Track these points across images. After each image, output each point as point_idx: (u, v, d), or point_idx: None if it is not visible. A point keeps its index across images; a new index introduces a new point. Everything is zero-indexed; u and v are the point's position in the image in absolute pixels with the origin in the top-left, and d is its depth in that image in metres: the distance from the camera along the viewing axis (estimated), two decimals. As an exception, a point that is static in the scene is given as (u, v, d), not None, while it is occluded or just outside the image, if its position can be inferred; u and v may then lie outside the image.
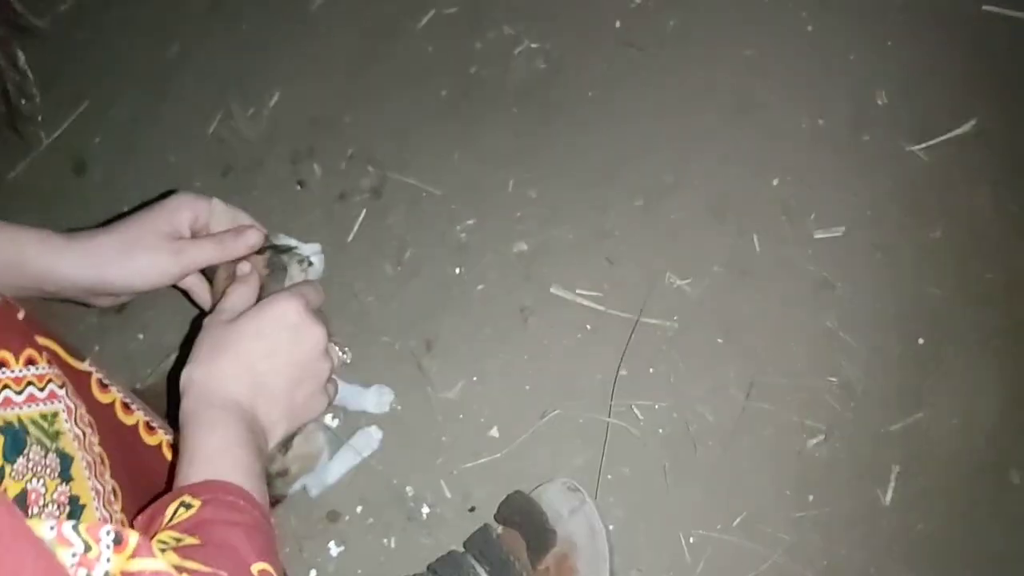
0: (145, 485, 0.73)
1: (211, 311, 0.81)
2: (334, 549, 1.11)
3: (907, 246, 1.23)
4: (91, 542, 0.41)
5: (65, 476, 0.62)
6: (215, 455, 0.65)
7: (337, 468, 1.12)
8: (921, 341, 1.17)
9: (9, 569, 0.33)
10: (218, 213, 0.92)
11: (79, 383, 0.71)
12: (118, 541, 0.42)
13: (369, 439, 1.15)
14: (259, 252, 0.92)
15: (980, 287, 1.20)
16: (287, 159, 1.39)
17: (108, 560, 0.41)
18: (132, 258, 0.83)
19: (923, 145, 1.27)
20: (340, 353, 0.87)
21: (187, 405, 0.69)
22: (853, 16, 1.37)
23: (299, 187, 1.37)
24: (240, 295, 0.81)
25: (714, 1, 1.41)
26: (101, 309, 1.20)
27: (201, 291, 0.93)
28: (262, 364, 0.74)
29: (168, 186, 1.39)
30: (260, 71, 1.49)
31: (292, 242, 0.97)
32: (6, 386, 0.61)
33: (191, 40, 1.55)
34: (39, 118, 0.59)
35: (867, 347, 1.17)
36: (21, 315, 0.68)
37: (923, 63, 1.32)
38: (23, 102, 0.58)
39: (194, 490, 0.60)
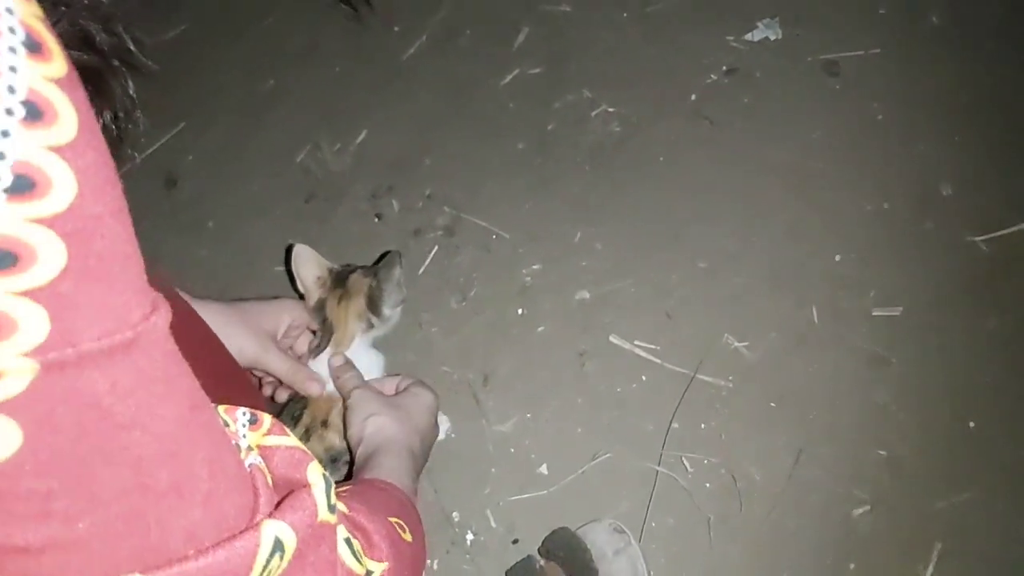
0: None
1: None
2: (378, 564, 1.13)
3: (962, 332, 1.25)
4: (229, 420, 0.47)
5: None
6: (390, 471, 0.83)
7: None
8: (972, 424, 1.18)
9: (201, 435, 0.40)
10: (306, 257, 1.12)
11: None
12: (253, 421, 0.48)
13: None
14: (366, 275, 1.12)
15: (1033, 378, 1.21)
16: (367, 193, 1.47)
17: (245, 436, 0.47)
18: (230, 328, 0.98)
19: (984, 236, 1.30)
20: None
21: (375, 442, 0.90)
22: (922, 109, 1.42)
23: (377, 220, 1.43)
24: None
25: (787, 84, 1.48)
26: None
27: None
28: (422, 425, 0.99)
29: (253, 208, 1.48)
30: (348, 111, 1.58)
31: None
32: None
33: (286, 77, 1.65)
34: (141, 141, 0.65)
35: (917, 425, 1.18)
36: None
37: (988, 159, 1.36)
38: (129, 127, 0.64)
39: (348, 484, 0.74)
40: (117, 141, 0.62)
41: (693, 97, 1.49)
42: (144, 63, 0.60)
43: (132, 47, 0.58)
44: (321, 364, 1.09)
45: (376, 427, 0.93)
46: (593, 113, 1.50)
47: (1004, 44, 1.48)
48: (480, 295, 1.34)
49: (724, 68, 1.50)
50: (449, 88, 1.57)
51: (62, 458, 0.33)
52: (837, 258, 1.31)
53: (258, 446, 0.47)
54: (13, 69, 0.29)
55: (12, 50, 0.29)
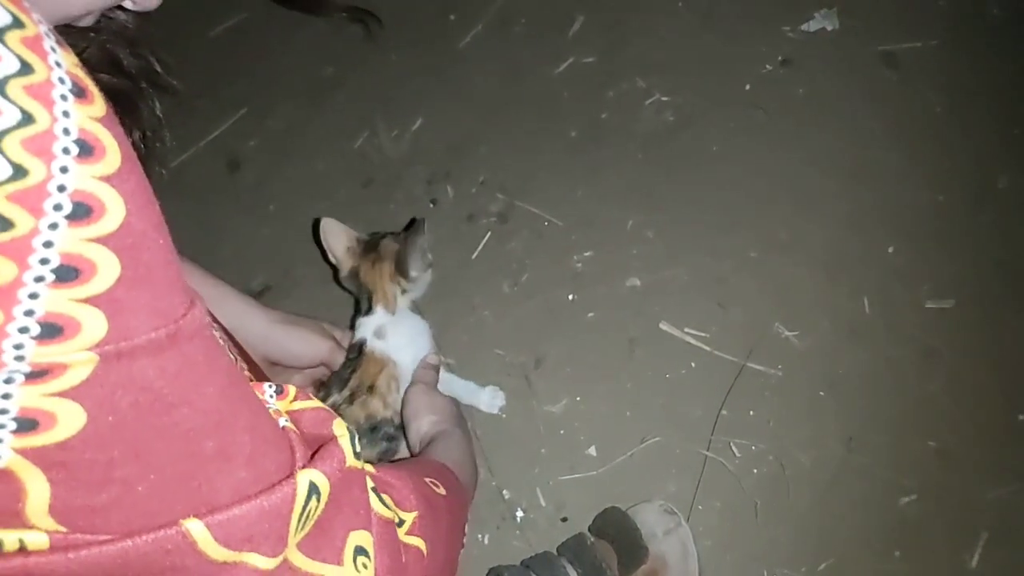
0: None
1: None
2: (432, 537, 1.17)
3: (1014, 325, 1.25)
4: (257, 393, 0.53)
5: None
6: (436, 451, 0.94)
7: None
8: (1021, 417, 1.18)
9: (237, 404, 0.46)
10: (333, 230, 1.20)
11: None
12: (279, 392, 0.56)
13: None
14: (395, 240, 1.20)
15: (1089, 374, 1.21)
16: (423, 179, 1.50)
17: (275, 409, 0.53)
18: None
19: (1042, 231, 1.30)
20: None
21: (431, 435, 1.02)
22: (980, 102, 1.42)
23: (432, 205, 1.47)
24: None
25: (843, 75, 1.47)
26: None
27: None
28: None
29: (314, 191, 1.52)
30: (406, 98, 1.61)
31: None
32: None
33: (345, 64, 1.68)
34: (167, 163, 0.69)
35: (967, 416, 1.19)
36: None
37: (1048, 153, 1.36)
38: (157, 145, 0.68)
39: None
40: (146, 158, 0.66)
41: (748, 87, 1.49)
42: (170, 83, 0.65)
43: (159, 68, 0.64)
44: (368, 327, 1.14)
45: (431, 424, 1.04)
46: (647, 102, 1.51)
47: (1067, 36, 1.46)
48: (532, 280, 1.37)
49: (779, 58, 1.51)
50: (504, 76, 1.60)
51: (121, 433, 0.39)
52: (891, 249, 1.31)
53: (287, 411, 0.54)
54: (66, 114, 0.35)
55: (63, 98, 0.35)
